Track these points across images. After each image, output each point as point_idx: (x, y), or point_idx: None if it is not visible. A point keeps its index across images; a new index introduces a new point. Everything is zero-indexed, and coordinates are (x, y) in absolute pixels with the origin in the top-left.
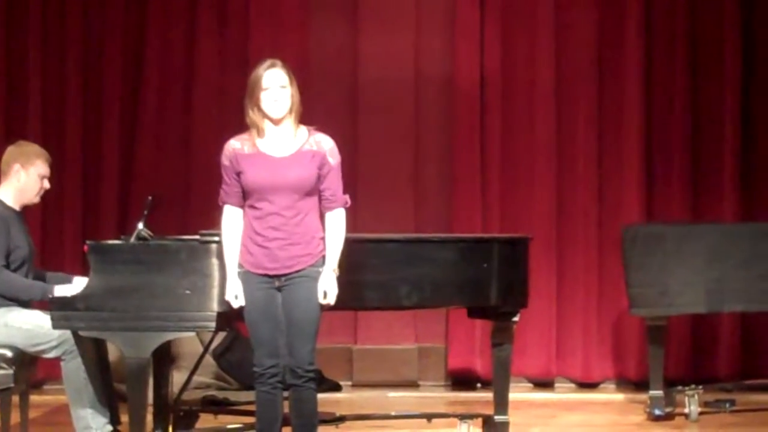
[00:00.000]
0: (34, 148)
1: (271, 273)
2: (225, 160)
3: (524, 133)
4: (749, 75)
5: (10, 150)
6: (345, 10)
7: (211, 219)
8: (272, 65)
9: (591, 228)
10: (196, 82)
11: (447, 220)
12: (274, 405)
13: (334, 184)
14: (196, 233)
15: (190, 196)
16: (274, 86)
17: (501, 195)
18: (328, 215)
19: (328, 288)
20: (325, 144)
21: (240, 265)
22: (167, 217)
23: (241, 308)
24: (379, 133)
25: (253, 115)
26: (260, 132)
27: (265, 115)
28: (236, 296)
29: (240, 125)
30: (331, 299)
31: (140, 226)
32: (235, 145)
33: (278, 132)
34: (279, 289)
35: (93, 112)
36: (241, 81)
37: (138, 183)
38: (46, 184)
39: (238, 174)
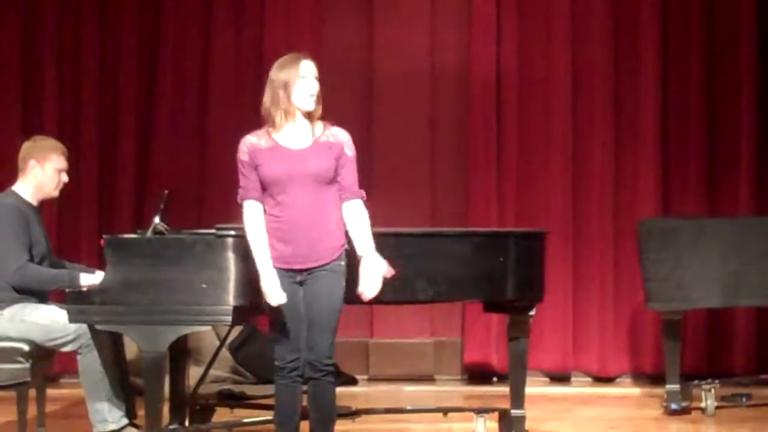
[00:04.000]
0: (49, 143)
1: (295, 267)
2: (242, 156)
3: (540, 126)
4: (766, 68)
5: (26, 146)
6: (360, 3)
7: (227, 213)
8: (305, 57)
9: (607, 222)
10: (212, 77)
11: (463, 214)
12: (293, 398)
13: (350, 175)
14: (212, 227)
15: (206, 191)
16: (311, 77)
17: (517, 189)
18: (347, 206)
19: (373, 277)
20: (342, 136)
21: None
22: (183, 211)
23: (259, 301)
24: (395, 126)
25: (278, 107)
26: (278, 125)
27: (293, 107)
28: (277, 292)
29: (256, 120)
30: (374, 290)
31: (156, 220)
32: (251, 140)
33: (297, 125)
34: (300, 283)
35: (109, 107)
36: (256, 76)
37: (154, 177)
38: (65, 178)
39: (256, 168)
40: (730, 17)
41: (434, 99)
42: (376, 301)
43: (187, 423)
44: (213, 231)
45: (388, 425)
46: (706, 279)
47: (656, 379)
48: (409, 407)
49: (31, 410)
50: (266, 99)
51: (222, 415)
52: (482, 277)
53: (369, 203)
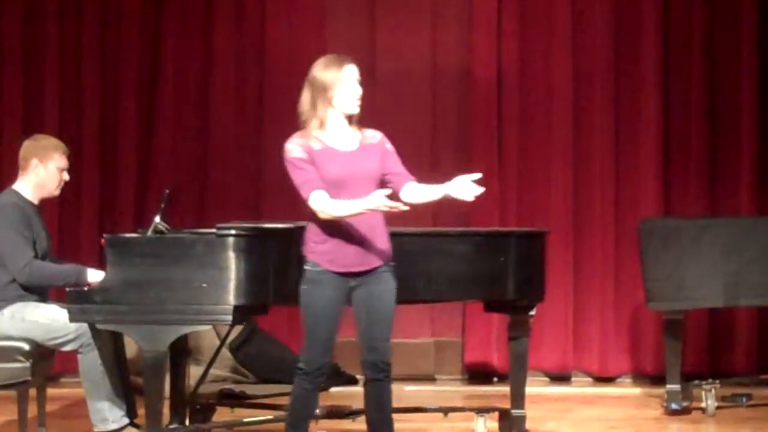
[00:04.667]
0: (50, 142)
1: (352, 270)
2: (297, 153)
3: (541, 126)
4: (766, 68)
5: (27, 145)
6: (362, 3)
7: (227, 212)
8: (350, 60)
9: (608, 222)
10: (213, 75)
11: (464, 214)
12: (314, 401)
13: (399, 164)
14: (212, 226)
15: (207, 190)
16: (355, 82)
17: (518, 188)
18: (407, 187)
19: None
20: (378, 135)
21: (315, 263)
22: (184, 210)
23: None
24: (396, 126)
25: (317, 111)
26: (321, 128)
27: (336, 111)
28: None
29: (256, 119)
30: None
31: (157, 219)
32: (300, 140)
33: (340, 128)
34: (352, 288)
35: (110, 106)
36: (257, 75)
37: (155, 176)
38: (66, 177)
39: (312, 165)
40: (732, 17)
41: (435, 99)
42: None
43: (187, 422)
44: (213, 230)
45: None
46: (707, 279)
47: (657, 379)
48: (409, 407)
49: (32, 409)
50: (305, 101)
51: (222, 414)
52: (483, 276)
53: None
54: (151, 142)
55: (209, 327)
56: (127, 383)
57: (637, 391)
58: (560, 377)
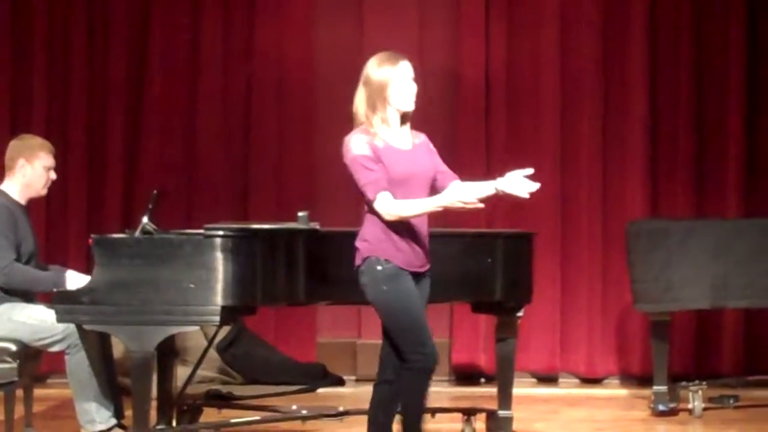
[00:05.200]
0: (37, 141)
1: (418, 270)
2: (364, 150)
3: (529, 127)
4: (754, 70)
5: (14, 144)
6: (350, 4)
7: (215, 213)
8: (402, 57)
9: (595, 223)
10: (201, 76)
11: (450, 216)
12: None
13: (442, 163)
14: (200, 227)
15: (195, 191)
16: (410, 78)
17: None
18: (455, 182)
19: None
20: (422, 135)
21: (387, 261)
22: (172, 211)
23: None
24: None
25: (375, 109)
26: (378, 126)
27: (392, 109)
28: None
29: (244, 120)
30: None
31: (145, 219)
32: (366, 137)
33: (395, 127)
34: None
35: (97, 106)
36: (245, 76)
37: (143, 177)
38: (53, 176)
39: (378, 164)
40: (719, 21)
41: (423, 99)
42: (363, 301)
43: (174, 423)
44: (201, 231)
45: None
46: (694, 280)
47: (644, 380)
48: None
49: (19, 410)
50: (361, 102)
51: (209, 415)
52: (470, 278)
53: (357, 203)
54: (139, 143)
55: (197, 328)
56: (114, 384)
57: (624, 392)
58: (547, 378)
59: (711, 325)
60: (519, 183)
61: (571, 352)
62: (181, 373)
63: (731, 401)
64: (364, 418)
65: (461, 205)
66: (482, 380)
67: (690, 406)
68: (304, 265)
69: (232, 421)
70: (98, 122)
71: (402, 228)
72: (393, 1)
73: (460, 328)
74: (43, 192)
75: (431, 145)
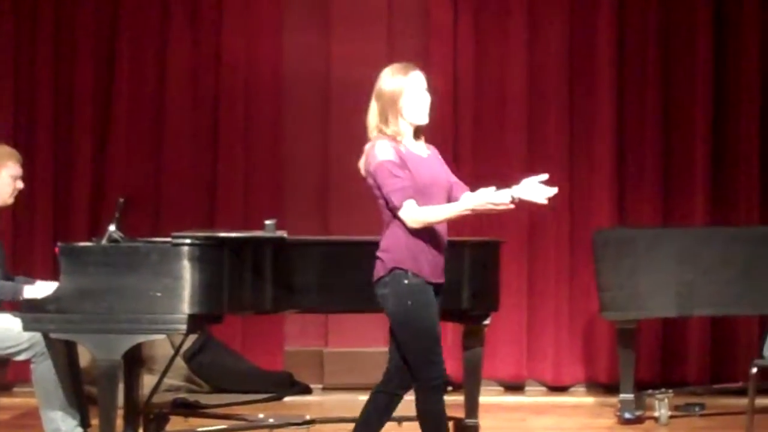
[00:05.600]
0: (4, 150)
1: (440, 281)
2: (391, 156)
3: (496, 134)
4: (720, 80)
5: None
6: (317, 11)
7: (182, 221)
8: (414, 67)
9: (562, 231)
10: (168, 84)
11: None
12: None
13: (452, 174)
14: (167, 235)
15: (162, 199)
16: (423, 89)
17: None
18: (466, 193)
19: (532, 181)
20: (431, 146)
21: (414, 275)
22: (139, 219)
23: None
24: (352, 134)
25: (392, 122)
26: (401, 137)
27: (405, 122)
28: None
29: (211, 129)
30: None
31: (112, 228)
32: (392, 143)
33: (410, 138)
34: None
35: (64, 114)
36: (213, 83)
37: (110, 185)
38: (20, 185)
39: (404, 170)
40: (687, 30)
41: None
42: (331, 309)
43: None
44: (168, 239)
45: None
46: (660, 289)
47: (610, 388)
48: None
49: None
50: (373, 115)
51: (176, 424)
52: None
53: (326, 211)
54: (106, 151)
55: (163, 336)
56: (80, 393)
57: (590, 400)
58: (514, 386)
59: (677, 333)
60: (535, 189)
61: (538, 360)
62: (148, 381)
63: (697, 409)
64: (331, 427)
65: (492, 206)
66: (449, 388)
67: (656, 413)
68: (271, 274)
69: (199, 429)
70: (65, 130)
71: (426, 237)
72: (361, 9)
73: None
74: (10, 201)
75: (440, 158)
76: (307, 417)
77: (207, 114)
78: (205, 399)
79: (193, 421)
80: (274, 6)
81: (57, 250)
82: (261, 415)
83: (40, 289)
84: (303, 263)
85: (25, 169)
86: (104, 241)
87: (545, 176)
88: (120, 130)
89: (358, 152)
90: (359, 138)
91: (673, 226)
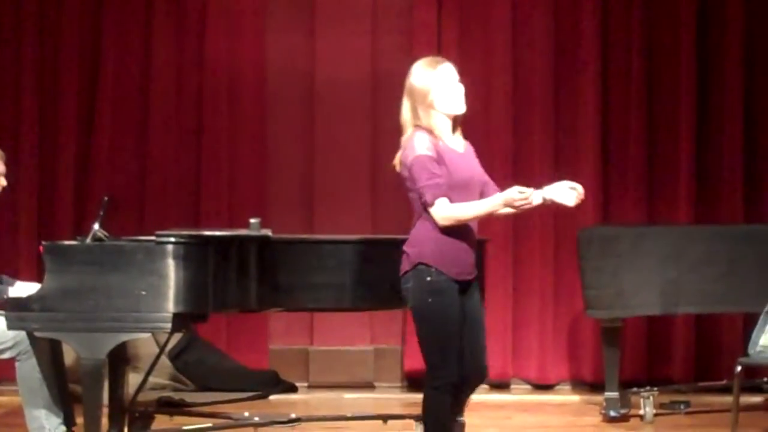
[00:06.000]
0: None
1: (469, 278)
2: (428, 151)
3: (480, 135)
4: (704, 79)
5: None
6: (301, 11)
7: (167, 220)
8: (443, 60)
9: (547, 230)
10: (153, 83)
11: (404, 222)
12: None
13: (485, 173)
14: (152, 234)
15: (147, 197)
16: (454, 80)
17: None
18: (497, 194)
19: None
20: (467, 141)
21: (438, 272)
22: (124, 217)
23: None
24: (336, 133)
25: (423, 117)
26: (437, 132)
27: (440, 115)
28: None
29: (195, 127)
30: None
31: (96, 226)
32: (429, 137)
33: (448, 131)
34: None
35: (49, 112)
36: (197, 83)
37: (94, 184)
38: (3, 183)
39: (440, 166)
40: (670, 30)
41: (375, 106)
42: (316, 308)
43: (126, 430)
44: (153, 238)
45: None
46: (645, 287)
47: (595, 386)
48: (348, 414)
49: None
50: (406, 111)
51: (161, 422)
52: None
53: (310, 210)
54: (90, 150)
55: (148, 335)
56: (65, 391)
57: (575, 398)
58: (499, 385)
59: (662, 331)
60: (566, 192)
61: (523, 359)
62: (133, 380)
63: (682, 407)
64: (317, 425)
65: (521, 197)
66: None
67: (641, 411)
68: (256, 272)
69: (184, 428)
70: (49, 129)
71: (455, 234)
72: (345, 8)
73: (412, 335)
74: None
75: (475, 154)
76: (293, 415)
77: (191, 113)
78: (190, 397)
79: (179, 419)
80: (257, 5)
81: (41, 248)
82: (246, 414)
83: (22, 290)
84: (288, 262)
85: (9, 168)
86: (89, 240)
87: (575, 184)
88: (104, 129)
89: (343, 150)
90: (344, 136)
91: (658, 224)
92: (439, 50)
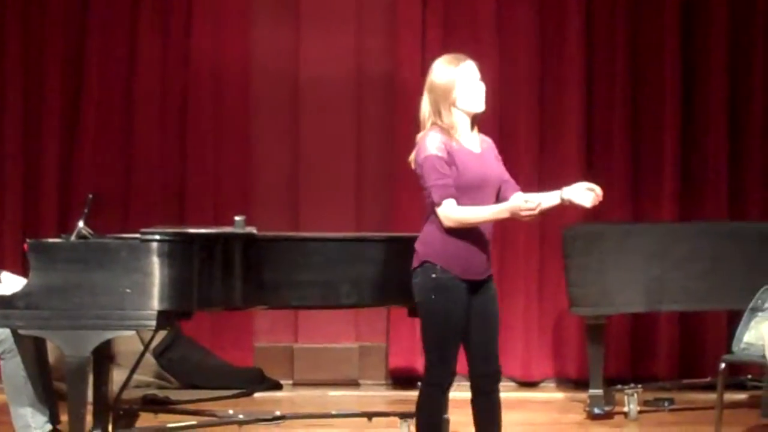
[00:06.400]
0: None
1: (478, 278)
2: (438, 152)
3: None
4: (688, 78)
5: None
6: (286, 9)
7: (151, 217)
8: (466, 57)
9: (531, 227)
10: (137, 80)
11: (388, 219)
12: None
13: (506, 172)
14: (136, 231)
15: (131, 195)
16: (475, 78)
17: None
18: (517, 193)
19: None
20: (488, 139)
21: (443, 270)
22: (108, 215)
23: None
24: (320, 132)
25: (445, 115)
26: (452, 131)
27: (460, 113)
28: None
29: (180, 124)
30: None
31: (81, 224)
32: (441, 137)
33: (465, 131)
34: (470, 295)
35: (33, 110)
36: (182, 81)
37: (79, 181)
38: None
39: (451, 167)
40: (655, 28)
41: (360, 104)
42: (301, 306)
43: (110, 428)
44: (137, 235)
45: (313, 430)
46: (629, 284)
47: (580, 383)
48: (333, 412)
49: None
50: (426, 108)
51: (146, 420)
52: (407, 282)
53: (295, 207)
54: (75, 147)
55: (133, 332)
56: (49, 389)
57: (560, 395)
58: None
59: (646, 329)
60: (584, 193)
61: (508, 356)
62: (117, 377)
63: (666, 404)
64: (302, 422)
65: (527, 206)
66: (419, 384)
67: (625, 409)
68: (241, 270)
69: (169, 425)
70: (34, 126)
71: (465, 233)
72: (330, 5)
73: (396, 332)
74: None
75: (497, 152)
76: (278, 413)
77: (176, 111)
78: (174, 395)
79: (163, 417)
80: (242, 4)
81: (26, 246)
82: (231, 411)
83: (8, 285)
84: (273, 259)
85: None
86: (73, 238)
87: (593, 185)
88: (89, 127)
89: (327, 148)
90: (328, 134)
91: (642, 221)
92: (424, 49)
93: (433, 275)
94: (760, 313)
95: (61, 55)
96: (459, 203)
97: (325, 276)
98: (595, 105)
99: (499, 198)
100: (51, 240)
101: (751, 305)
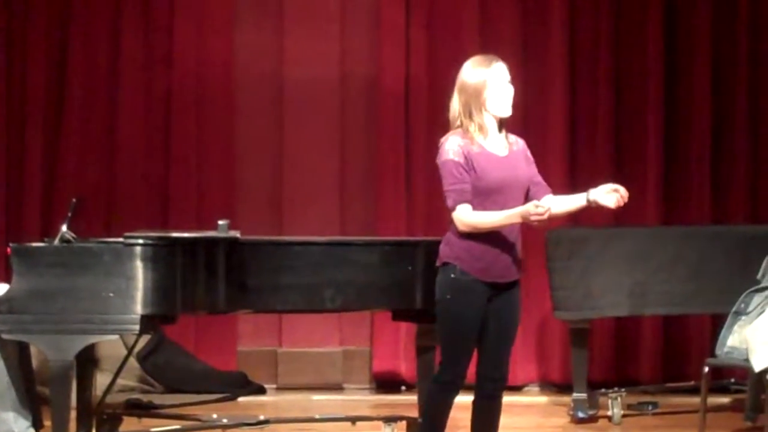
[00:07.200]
0: None
1: (500, 281)
2: (455, 156)
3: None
4: (672, 80)
5: None
6: (270, 11)
7: (135, 221)
8: (497, 59)
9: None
10: (121, 83)
11: (372, 223)
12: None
13: (538, 174)
14: (120, 236)
15: (115, 199)
16: (506, 81)
17: (425, 198)
18: (548, 196)
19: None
20: (521, 141)
21: (462, 272)
22: (91, 219)
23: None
24: (304, 134)
25: (471, 116)
26: (484, 132)
27: (489, 115)
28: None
29: (164, 127)
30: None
31: (64, 228)
32: (460, 141)
33: (494, 131)
34: (489, 298)
35: (16, 113)
36: (165, 82)
37: (62, 185)
38: None
39: (470, 171)
40: (638, 29)
41: (344, 107)
42: (284, 309)
43: None
44: (121, 240)
45: None
46: (613, 288)
47: (563, 387)
48: (317, 416)
49: None
50: (455, 108)
51: (130, 424)
52: (391, 285)
53: (279, 211)
54: (58, 151)
55: (116, 337)
56: (33, 393)
57: (544, 399)
58: (468, 386)
59: (630, 333)
60: (609, 194)
61: None
62: (101, 381)
63: (650, 408)
64: (286, 427)
65: (537, 211)
66: (403, 388)
67: (609, 413)
68: (225, 274)
69: (152, 430)
70: (16, 130)
71: (485, 236)
72: (313, 7)
73: (380, 336)
74: None
75: (529, 153)
76: (261, 417)
77: (159, 113)
78: (158, 399)
79: (147, 421)
80: (225, 5)
81: (9, 250)
82: (215, 416)
83: None
84: (256, 263)
85: None
86: (57, 242)
87: (618, 186)
88: (72, 130)
89: (311, 151)
90: (312, 137)
91: (626, 225)
92: (408, 51)
93: (453, 275)
94: (743, 317)
95: (44, 58)
96: (482, 206)
97: (309, 280)
98: (578, 107)
99: (528, 199)
100: (34, 244)
101: (734, 309)
